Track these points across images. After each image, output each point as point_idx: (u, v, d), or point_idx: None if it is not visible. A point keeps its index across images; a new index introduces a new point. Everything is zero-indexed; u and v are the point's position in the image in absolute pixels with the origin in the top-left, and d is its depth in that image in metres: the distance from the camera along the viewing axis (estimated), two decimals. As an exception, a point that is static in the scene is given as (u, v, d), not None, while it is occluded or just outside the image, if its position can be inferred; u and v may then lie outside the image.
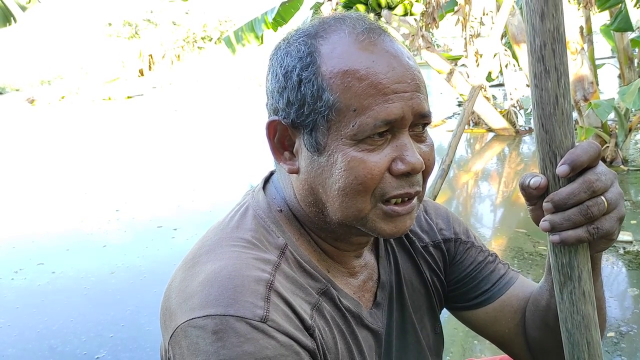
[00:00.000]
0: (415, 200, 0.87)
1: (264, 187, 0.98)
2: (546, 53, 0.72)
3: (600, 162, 0.76)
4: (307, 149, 0.85)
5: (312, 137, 0.83)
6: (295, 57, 0.84)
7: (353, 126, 0.80)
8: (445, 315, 1.16)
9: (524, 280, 1.11)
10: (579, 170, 0.72)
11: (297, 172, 0.88)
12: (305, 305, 0.85)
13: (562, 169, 0.72)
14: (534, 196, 0.77)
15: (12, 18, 6.88)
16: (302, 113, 0.83)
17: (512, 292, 1.08)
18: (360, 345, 0.93)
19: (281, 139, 0.88)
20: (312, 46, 0.84)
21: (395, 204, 0.84)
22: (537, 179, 0.76)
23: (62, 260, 4.75)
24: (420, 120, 0.84)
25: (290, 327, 0.79)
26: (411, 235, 1.08)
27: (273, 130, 0.88)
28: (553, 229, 0.74)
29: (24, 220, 6.28)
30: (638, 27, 8.22)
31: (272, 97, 0.88)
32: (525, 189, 0.77)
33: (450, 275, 1.11)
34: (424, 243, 1.09)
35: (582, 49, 6.59)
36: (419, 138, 0.86)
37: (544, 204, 0.75)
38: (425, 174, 0.87)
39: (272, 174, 1.01)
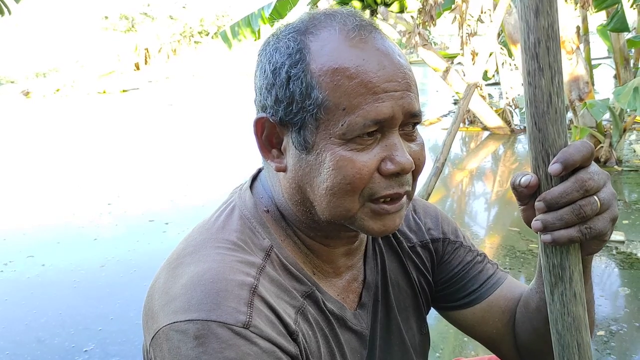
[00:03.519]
0: (404, 199, 0.85)
1: (251, 185, 0.97)
2: (540, 51, 0.71)
3: (593, 162, 0.75)
4: (295, 147, 0.83)
5: (300, 136, 0.82)
6: (284, 54, 0.83)
7: (342, 125, 0.78)
8: (436, 313, 1.16)
9: (513, 281, 1.10)
10: (571, 170, 0.71)
11: (284, 170, 0.86)
12: (290, 309, 0.84)
13: (554, 167, 0.71)
14: (525, 195, 0.76)
15: (6, 9, 6.84)
16: (291, 111, 0.82)
17: (500, 293, 1.07)
18: (342, 348, 0.92)
19: (269, 136, 0.87)
20: (301, 43, 0.82)
21: (384, 202, 0.83)
22: (527, 177, 0.75)
23: (53, 253, 4.73)
24: (411, 119, 0.83)
25: (273, 333, 0.78)
26: (399, 236, 1.07)
27: (261, 127, 0.87)
28: (545, 229, 0.73)
29: (15, 213, 6.25)
30: (634, 28, 8.22)
31: (260, 94, 0.87)
32: (516, 188, 0.76)
33: (438, 275, 1.10)
34: (411, 243, 1.08)
35: (578, 48, 6.59)
36: (409, 137, 0.85)
37: (536, 203, 0.74)
38: (416, 173, 0.86)
39: (260, 171, 0.99)
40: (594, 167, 0.73)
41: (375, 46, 0.81)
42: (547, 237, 0.73)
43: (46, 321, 3.44)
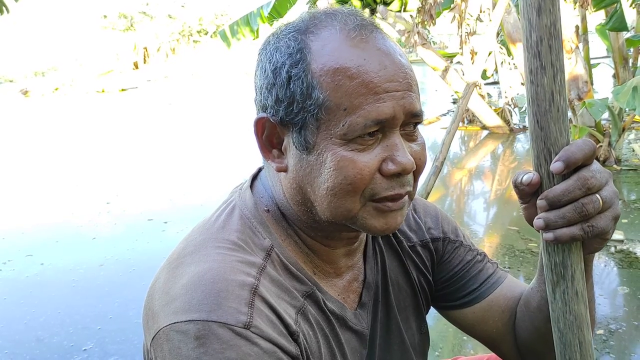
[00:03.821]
0: (406, 197, 0.85)
1: (251, 185, 0.97)
2: (542, 49, 0.71)
3: (595, 160, 0.75)
4: (295, 147, 0.83)
5: (301, 136, 0.81)
6: (284, 53, 0.82)
7: (343, 125, 0.78)
8: (435, 311, 1.15)
9: (513, 280, 1.10)
10: (573, 168, 0.71)
11: (285, 170, 0.86)
12: (290, 309, 0.84)
13: (556, 165, 0.71)
14: (527, 193, 0.76)
15: (4, 8, 6.83)
16: (291, 111, 0.81)
17: (499, 292, 1.07)
18: (342, 347, 0.92)
19: (269, 136, 0.87)
20: (302, 42, 0.82)
21: (386, 200, 0.83)
22: (529, 175, 0.75)
23: (51, 252, 4.72)
24: (412, 119, 0.83)
25: (274, 333, 0.77)
26: (399, 235, 1.07)
27: (261, 127, 0.86)
28: (547, 227, 0.73)
29: (13, 212, 6.24)
30: (633, 27, 8.22)
31: (261, 94, 0.86)
32: (518, 186, 0.76)
33: (438, 274, 1.10)
34: (411, 243, 1.08)
35: (577, 48, 6.59)
36: (410, 137, 0.85)
37: (538, 201, 0.74)
38: (417, 173, 0.86)
39: (260, 170, 0.99)
40: (595, 165, 0.74)
41: (377, 46, 0.81)
42: (549, 235, 0.73)
43: (45, 320, 3.44)
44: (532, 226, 0.77)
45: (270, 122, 0.85)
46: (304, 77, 0.80)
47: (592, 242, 0.77)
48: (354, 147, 0.79)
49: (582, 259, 0.76)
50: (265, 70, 0.85)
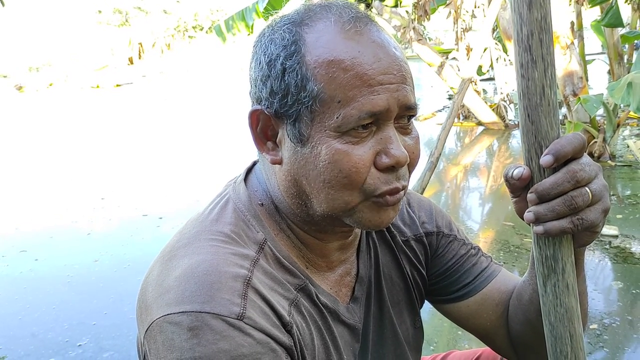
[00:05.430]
0: (401, 192, 0.85)
1: (246, 178, 0.97)
2: (533, 43, 0.71)
3: (585, 154, 0.75)
4: (290, 139, 0.83)
5: (295, 128, 0.81)
6: (279, 45, 0.82)
7: (337, 118, 0.78)
8: (430, 306, 1.16)
9: (507, 273, 1.10)
10: (563, 161, 0.72)
11: (280, 162, 0.86)
12: (284, 301, 0.84)
13: (545, 159, 0.71)
14: (518, 187, 0.76)
15: (0, 2, 6.80)
16: (286, 103, 0.81)
17: (493, 286, 1.07)
18: (336, 341, 0.92)
19: (264, 128, 0.86)
20: (296, 34, 0.81)
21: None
22: (519, 170, 0.75)
23: (45, 248, 4.71)
24: (406, 112, 0.82)
25: (268, 324, 0.78)
26: (393, 230, 1.07)
27: (256, 119, 0.86)
28: (537, 220, 0.74)
29: (7, 207, 6.22)
30: (628, 23, 8.23)
31: (255, 86, 0.86)
32: (509, 180, 0.76)
33: (432, 268, 1.10)
34: (405, 237, 1.08)
35: (572, 44, 6.60)
36: (405, 130, 0.84)
37: (528, 194, 0.75)
38: (411, 166, 0.86)
39: (255, 164, 0.99)
40: (585, 158, 0.74)
41: (371, 38, 0.81)
42: (539, 228, 0.74)
43: (40, 316, 3.43)
44: (524, 220, 0.77)
45: (264, 114, 0.85)
46: (299, 69, 0.80)
47: (582, 236, 0.77)
48: (348, 139, 0.79)
49: (572, 252, 0.76)
50: (260, 62, 0.84)
